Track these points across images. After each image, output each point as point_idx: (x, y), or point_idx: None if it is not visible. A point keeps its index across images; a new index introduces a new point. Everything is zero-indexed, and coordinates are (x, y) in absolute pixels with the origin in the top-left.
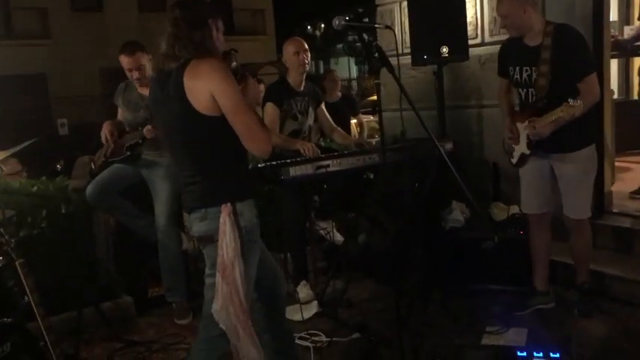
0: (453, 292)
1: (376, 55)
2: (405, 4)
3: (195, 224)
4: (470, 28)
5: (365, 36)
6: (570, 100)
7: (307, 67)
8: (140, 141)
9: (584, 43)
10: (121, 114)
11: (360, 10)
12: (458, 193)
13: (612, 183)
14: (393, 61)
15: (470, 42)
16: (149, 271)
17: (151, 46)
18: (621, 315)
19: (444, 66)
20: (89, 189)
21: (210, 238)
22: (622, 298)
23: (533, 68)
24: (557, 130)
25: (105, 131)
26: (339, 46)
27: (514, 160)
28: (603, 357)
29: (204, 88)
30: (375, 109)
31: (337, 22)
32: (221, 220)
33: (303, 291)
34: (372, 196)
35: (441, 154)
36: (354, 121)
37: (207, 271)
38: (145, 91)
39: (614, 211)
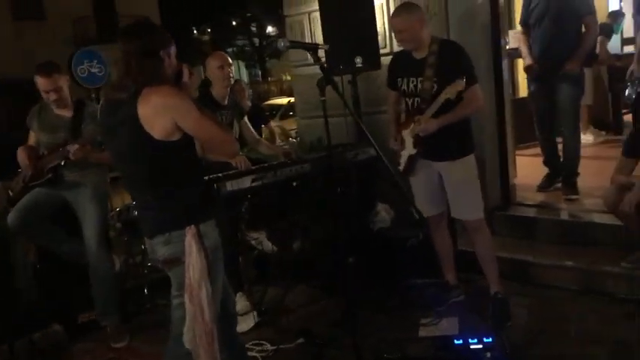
0: (386, 289)
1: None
2: (314, 15)
3: (160, 248)
4: (379, 39)
5: (256, 41)
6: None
7: (232, 81)
8: (62, 162)
9: (467, 56)
10: (35, 137)
11: (249, 14)
12: (382, 195)
13: (514, 176)
14: (311, 70)
15: (381, 51)
16: (78, 297)
17: (29, 56)
18: (538, 297)
19: (359, 75)
20: (10, 217)
21: (177, 260)
22: (536, 282)
23: (419, 79)
24: (442, 139)
25: (22, 156)
26: (230, 50)
27: (402, 167)
28: (529, 339)
29: (163, 116)
30: (273, 112)
31: (282, 44)
32: (186, 242)
33: (240, 302)
34: (301, 204)
35: (381, 158)
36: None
37: (174, 292)
38: (64, 112)
39: (519, 202)
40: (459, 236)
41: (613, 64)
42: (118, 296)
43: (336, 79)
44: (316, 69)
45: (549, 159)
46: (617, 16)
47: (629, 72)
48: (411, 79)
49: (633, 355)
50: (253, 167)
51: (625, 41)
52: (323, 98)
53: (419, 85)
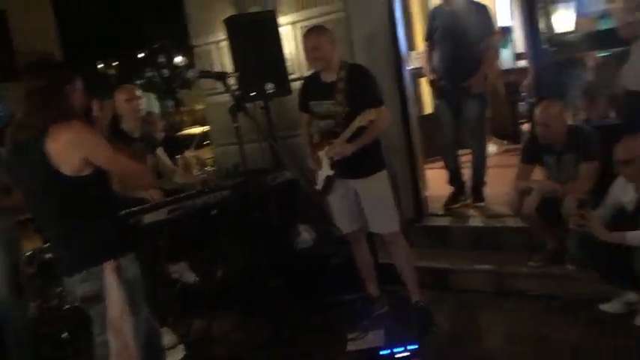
0: (312, 308)
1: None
2: (222, 44)
3: (78, 286)
4: (288, 65)
5: (165, 72)
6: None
7: (142, 113)
8: None
9: (374, 79)
10: None
11: (156, 46)
12: (302, 216)
13: (426, 189)
14: (222, 98)
15: (290, 77)
16: None
17: None
18: (458, 302)
19: (271, 100)
20: None
21: (97, 297)
22: (454, 287)
23: (331, 102)
24: (356, 158)
25: None
26: (138, 82)
27: (319, 187)
28: (453, 342)
29: (72, 152)
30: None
31: (191, 74)
32: (105, 277)
33: (167, 336)
34: (221, 231)
35: (298, 180)
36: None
37: (96, 330)
38: None
39: (432, 212)
40: (378, 250)
41: (505, 78)
42: (34, 344)
43: (249, 105)
44: (228, 97)
45: (454, 178)
46: (505, 32)
47: (523, 84)
48: (323, 102)
49: (549, 348)
50: (169, 198)
51: (517, 56)
52: (236, 125)
53: (330, 108)
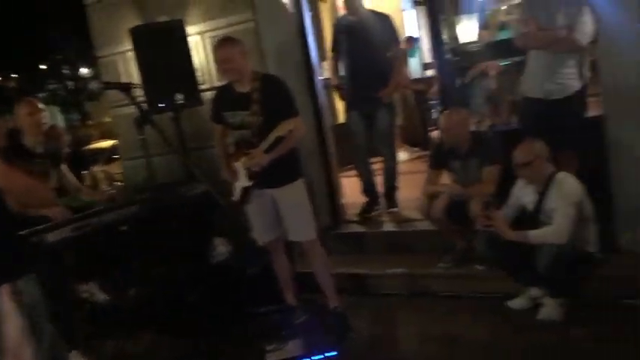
0: (231, 321)
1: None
2: (129, 54)
3: None
4: (198, 75)
5: (70, 84)
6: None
7: (46, 127)
8: None
9: (289, 89)
10: None
11: (59, 57)
12: (218, 229)
13: (342, 197)
14: (130, 110)
15: (201, 87)
16: None
17: None
18: (375, 306)
19: (182, 111)
20: None
21: None
22: (371, 292)
23: (245, 112)
24: (274, 168)
25: None
26: (40, 95)
27: (236, 197)
28: (371, 346)
29: None
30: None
31: (95, 86)
32: (2, 302)
33: None
34: (133, 248)
35: (212, 192)
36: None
37: None
38: None
39: (349, 219)
40: (296, 259)
41: (412, 87)
42: None
43: (159, 116)
44: (135, 108)
45: (367, 188)
46: (411, 41)
47: (431, 92)
48: (237, 112)
49: (461, 346)
50: (75, 216)
51: (425, 66)
52: (142, 137)
53: (246, 119)
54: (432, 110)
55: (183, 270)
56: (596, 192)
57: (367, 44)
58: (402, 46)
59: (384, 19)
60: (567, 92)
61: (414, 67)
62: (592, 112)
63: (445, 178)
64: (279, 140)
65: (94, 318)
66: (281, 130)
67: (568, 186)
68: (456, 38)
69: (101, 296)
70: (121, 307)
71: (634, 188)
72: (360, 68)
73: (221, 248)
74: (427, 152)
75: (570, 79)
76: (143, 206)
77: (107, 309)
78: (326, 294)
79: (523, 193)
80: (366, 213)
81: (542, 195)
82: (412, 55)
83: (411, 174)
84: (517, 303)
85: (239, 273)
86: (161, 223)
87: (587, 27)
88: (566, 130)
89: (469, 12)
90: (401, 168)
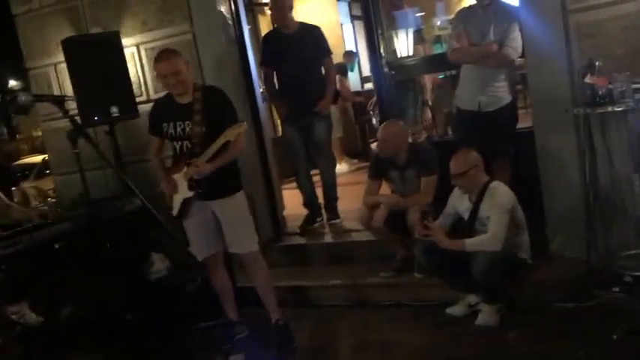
0: (170, 338)
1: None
2: (61, 66)
3: None
4: (134, 87)
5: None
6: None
7: None
8: None
9: (229, 99)
10: None
11: None
12: (155, 245)
13: (283, 209)
14: (62, 124)
15: (137, 99)
16: None
17: None
18: (317, 318)
19: (117, 124)
20: None
21: None
22: (313, 304)
23: (187, 122)
24: (215, 179)
25: None
26: None
27: (175, 212)
28: (313, 357)
29: None
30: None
31: (23, 99)
32: None
33: None
34: (67, 266)
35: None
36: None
37: None
38: None
39: (290, 232)
40: (236, 273)
41: (354, 99)
42: None
43: (92, 130)
44: (68, 122)
45: (308, 200)
46: (351, 55)
47: (370, 104)
48: (178, 122)
49: (400, 353)
50: (4, 233)
51: (364, 79)
52: (76, 151)
53: (187, 130)
54: (373, 122)
55: (120, 288)
56: (529, 200)
57: (299, 57)
58: (343, 59)
59: (314, 32)
60: (499, 104)
61: (353, 80)
62: (524, 123)
63: (384, 189)
64: (222, 149)
65: (26, 341)
66: (230, 134)
67: (501, 195)
68: (393, 52)
69: (32, 317)
70: (54, 328)
71: (562, 196)
72: (294, 81)
73: (159, 264)
74: (367, 163)
75: (502, 92)
76: (77, 222)
77: (39, 331)
78: (268, 308)
79: (459, 202)
80: (308, 225)
81: (476, 204)
82: (352, 69)
83: (351, 185)
84: (456, 310)
85: (178, 289)
86: (96, 239)
87: (516, 42)
88: (498, 141)
89: (405, 26)
90: (341, 179)
